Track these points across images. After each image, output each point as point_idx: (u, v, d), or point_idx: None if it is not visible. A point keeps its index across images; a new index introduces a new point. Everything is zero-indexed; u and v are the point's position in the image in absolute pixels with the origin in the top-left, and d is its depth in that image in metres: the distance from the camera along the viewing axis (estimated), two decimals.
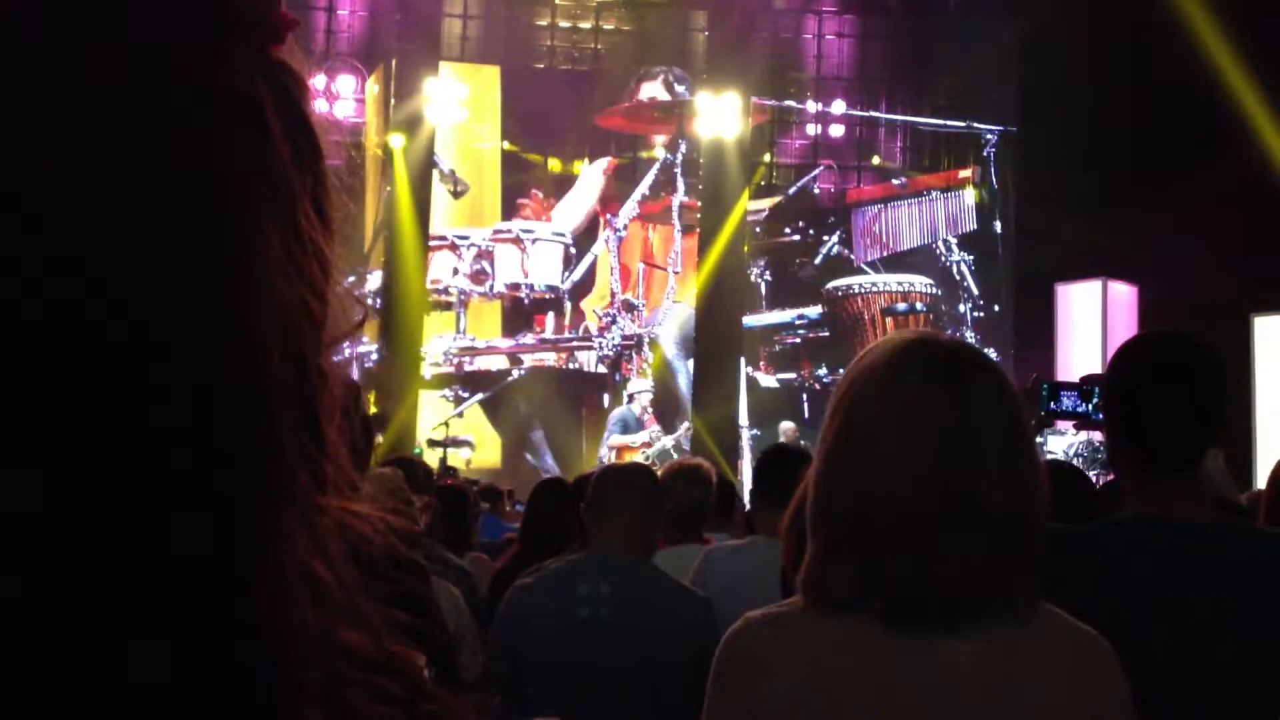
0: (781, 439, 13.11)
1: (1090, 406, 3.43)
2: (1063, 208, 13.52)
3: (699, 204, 16.25)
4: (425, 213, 15.68)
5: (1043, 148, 14.54)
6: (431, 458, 12.83)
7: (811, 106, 16.83)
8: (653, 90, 16.58)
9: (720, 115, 16.07)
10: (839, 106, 16.78)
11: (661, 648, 3.02)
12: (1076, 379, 3.87)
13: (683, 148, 16.14)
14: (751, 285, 16.45)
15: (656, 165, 16.22)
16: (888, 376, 1.46)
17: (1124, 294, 12.93)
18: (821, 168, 16.81)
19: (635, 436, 15.03)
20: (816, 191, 16.90)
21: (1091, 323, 12.71)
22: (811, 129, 16.91)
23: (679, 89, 16.49)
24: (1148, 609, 1.85)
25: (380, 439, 12.41)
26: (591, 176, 16.65)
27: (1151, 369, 2.18)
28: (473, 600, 4.16)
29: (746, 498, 8.64)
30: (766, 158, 16.87)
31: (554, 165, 16.55)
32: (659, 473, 4.51)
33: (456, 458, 14.31)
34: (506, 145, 16.51)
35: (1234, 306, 11.50)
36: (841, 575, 1.43)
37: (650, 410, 15.30)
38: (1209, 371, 2.15)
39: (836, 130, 16.90)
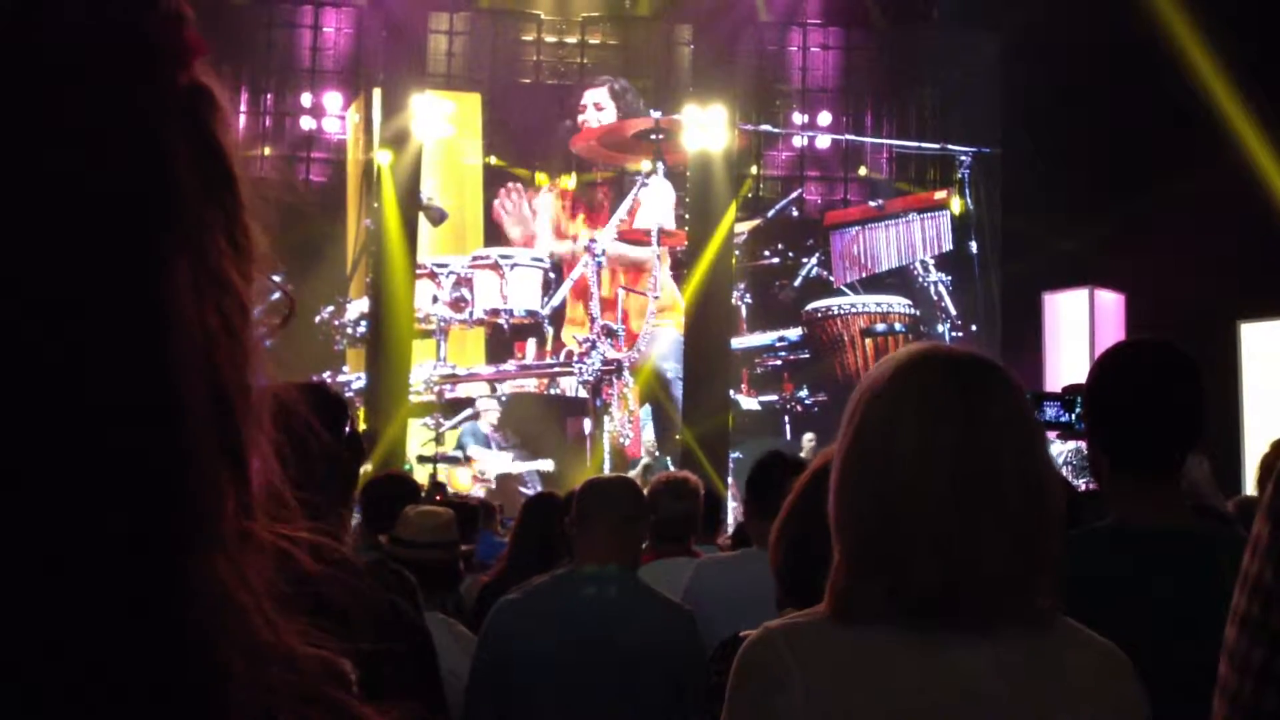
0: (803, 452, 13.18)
1: (1073, 416, 3.42)
2: (1049, 216, 13.55)
3: (681, 231, 16.31)
4: (413, 229, 15.72)
5: (1027, 155, 14.58)
6: (421, 474, 12.81)
7: (797, 118, 16.87)
8: (597, 97, 16.61)
9: (706, 128, 16.10)
10: (825, 118, 16.83)
11: (646, 661, 3.01)
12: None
13: (660, 171, 16.19)
14: (732, 308, 16.50)
15: (634, 190, 16.24)
16: (903, 385, 1.46)
17: (1111, 302, 12.95)
18: (798, 192, 16.86)
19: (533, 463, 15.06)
20: (795, 214, 16.91)
21: (1079, 331, 12.73)
22: (798, 141, 16.96)
23: (630, 99, 16.50)
24: (1126, 614, 1.86)
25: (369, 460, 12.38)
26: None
27: (1130, 377, 2.19)
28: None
29: (731, 515, 8.64)
30: (754, 170, 16.91)
31: (540, 179, 16.58)
32: (646, 486, 4.51)
33: (455, 477, 14.32)
34: (493, 160, 16.54)
35: (1221, 314, 11.53)
36: (865, 584, 1.43)
37: (496, 427, 15.29)
38: (1187, 379, 2.16)
39: (823, 142, 16.95)
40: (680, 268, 16.45)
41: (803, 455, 13.05)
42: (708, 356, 15.93)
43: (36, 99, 0.54)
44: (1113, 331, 12.30)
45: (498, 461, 15.01)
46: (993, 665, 1.40)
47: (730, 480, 15.00)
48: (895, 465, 1.43)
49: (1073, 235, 12.92)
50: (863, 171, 17.00)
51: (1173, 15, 12.15)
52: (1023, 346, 13.58)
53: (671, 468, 13.39)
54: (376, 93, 15.94)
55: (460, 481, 14.54)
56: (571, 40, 16.85)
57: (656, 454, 14.95)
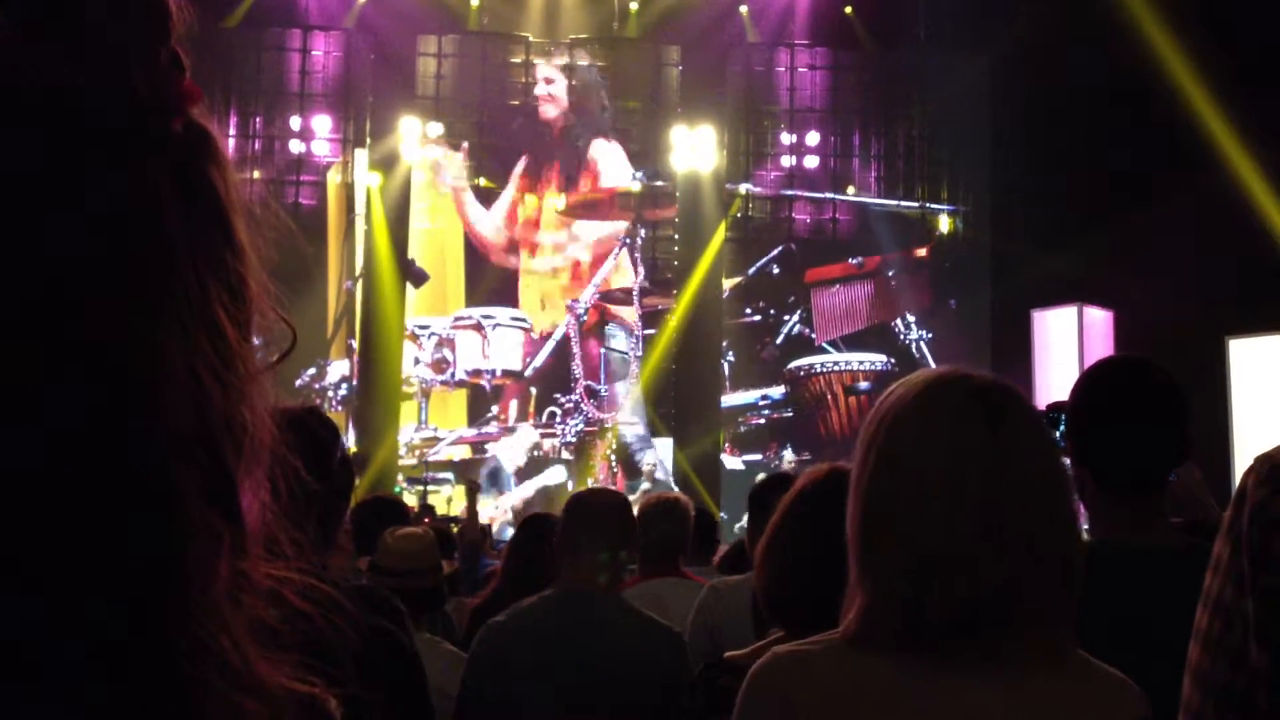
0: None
1: (1057, 434, 3.44)
2: (1036, 233, 13.60)
3: (665, 294, 16.35)
4: (403, 247, 15.76)
5: (1015, 173, 14.64)
6: (411, 497, 12.79)
7: (785, 138, 16.93)
8: (548, 72, 16.63)
9: (695, 149, 16.19)
10: (813, 138, 16.88)
11: (633, 683, 3.00)
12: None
13: (642, 233, 16.20)
14: (721, 324, 16.53)
15: (616, 251, 16.24)
16: (924, 413, 1.44)
17: (1100, 319, 12.98)
18: (779, 249, 16.82)
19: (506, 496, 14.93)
20: (776, 271, 16.86)
21: (1068, 348, 12.76)
22: (786, 160, 17.00)
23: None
24: (1112, 633, 1.86)
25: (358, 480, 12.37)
26: None
27: (1110, 396, 2.19)
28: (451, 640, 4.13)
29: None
30: (742, 189, 16.94)
31: (530, 201, 16.60)
32: (636, 506, 4.50)
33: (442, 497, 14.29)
34: (482, 181, 16.57)
35: (1209, 329, 11.56)
36: (884, 613, 1.40)
37: (520, 466, 15.15)
38: (1168, 397, 2.16)
39: (811, 161, 17.00)
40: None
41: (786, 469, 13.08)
42: (698, 375, 15.97)
43: (28, 151, 0.54)
44: (1101, 348, 12.33)
45: (512, 497, 14.93)
46: (1005, 700, 1.38)
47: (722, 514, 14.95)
48: (925, 501, 1.40)
49: (1061, 252, 12.96)
50: (851, 191, 17.04)
51: (1161, 37, 12.22)
52: (1012, 363, 13.61)
53: (675, 488, 13.38)
54: (370, 103, 15.98)
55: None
56: (560, 62, 16.90)
57: (657, 476, 14.89)
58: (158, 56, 0.59)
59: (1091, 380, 2.25)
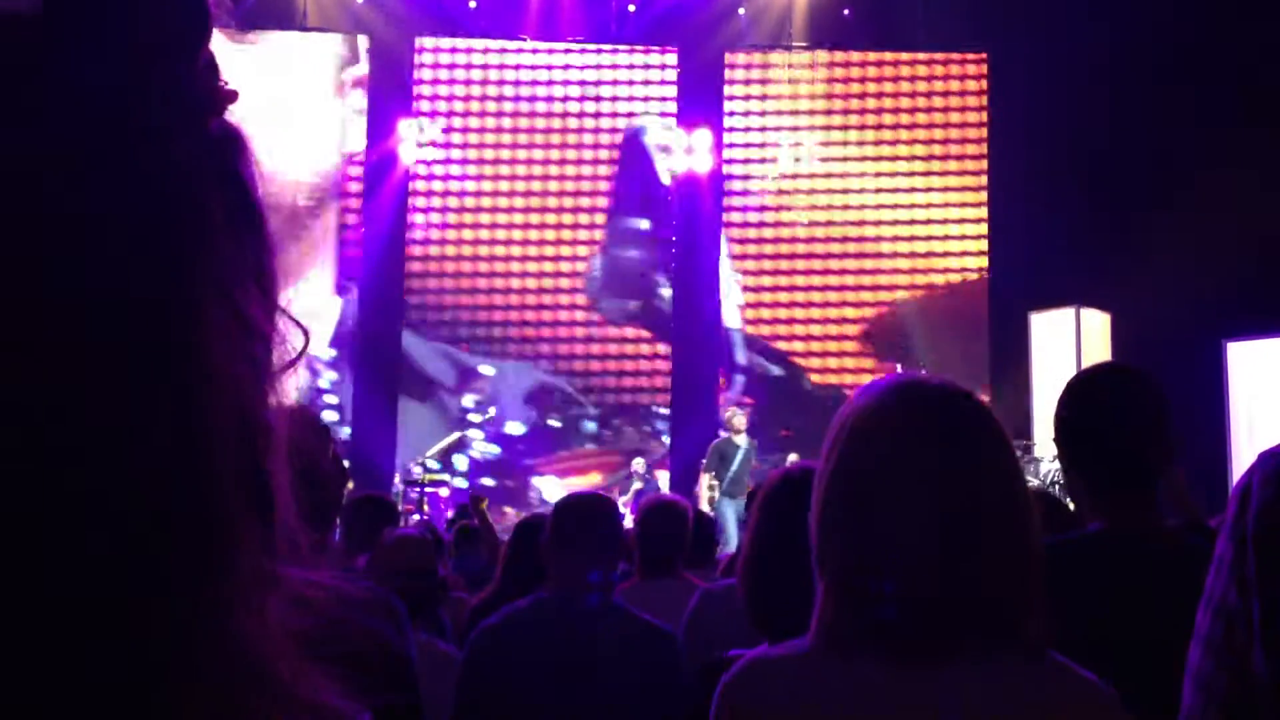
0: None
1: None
2: (1036, 235, 13.60)
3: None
4: (400, 249, 15.79)
5: (1013, 174, 14.65)
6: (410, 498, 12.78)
7: (784, 139, 16.90)
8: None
9: (692, 151, 16.19)
10: (810, 139, 16.85)
11: (628, 685, 3.00)
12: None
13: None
14: (720, 331, 16.42)
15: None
16: (880, 419, 1.46)
17: (1098, 321, 12.97)
18: None
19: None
20: None
21: (1066, 350, 12.75)
22: (785, 162, 16.96)
23: None
24: (1118, 617, 1.89)
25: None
26: None
27: (1110, 401, 2.30)
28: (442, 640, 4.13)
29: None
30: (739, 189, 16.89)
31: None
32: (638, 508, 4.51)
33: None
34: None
35: (1207, 332, 11.57)
36: (847, 617, 1.42)
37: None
38: (1158, 400, 2.26)
39: (809, 164, 16.96)
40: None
41: None
42: (696, 380, 15.96)
43: (79, 147, 0.54)
44: (1099, 350, 12.33)
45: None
46: (977, 698, 1.39)
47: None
48: (874, 505, 1.43)
49: (1059, 254, 12.97)
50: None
51: (1155, 40, 12.23)
52: (1009, 365, 13.61)
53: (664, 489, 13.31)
54: (363, 118, 16.00)
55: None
56: (558, 64, 16.88)
57: (648, 477, 14.81)
58: (198, 56, 0.60)
59: (1086, 389, 2.35)
